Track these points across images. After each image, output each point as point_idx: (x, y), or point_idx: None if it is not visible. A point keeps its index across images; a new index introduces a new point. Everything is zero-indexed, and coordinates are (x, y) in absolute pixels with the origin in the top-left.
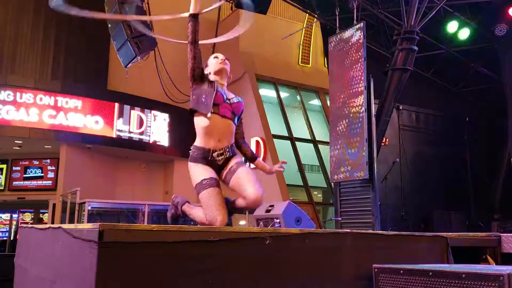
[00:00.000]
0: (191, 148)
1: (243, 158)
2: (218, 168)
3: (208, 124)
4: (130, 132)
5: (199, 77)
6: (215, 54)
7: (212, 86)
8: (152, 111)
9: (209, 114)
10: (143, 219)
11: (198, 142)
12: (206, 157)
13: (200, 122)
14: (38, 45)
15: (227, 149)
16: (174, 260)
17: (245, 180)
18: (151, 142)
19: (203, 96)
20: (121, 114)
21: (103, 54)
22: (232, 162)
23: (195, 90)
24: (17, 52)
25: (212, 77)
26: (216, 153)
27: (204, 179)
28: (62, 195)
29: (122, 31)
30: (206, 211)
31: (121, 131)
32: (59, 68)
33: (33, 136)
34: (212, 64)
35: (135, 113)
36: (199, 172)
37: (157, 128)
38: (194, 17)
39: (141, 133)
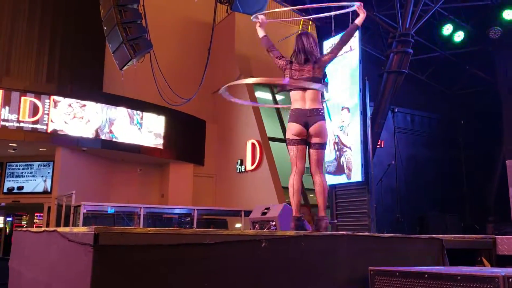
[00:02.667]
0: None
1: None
2: None
3: None
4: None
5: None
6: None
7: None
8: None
9: None
10: (138, 222)
11: None
12: None
13: None
14: (33, 47)
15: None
16: (170, 263)
17: None
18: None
19: None
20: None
21: (99, 57)
22: None
23: None
24: (12, 54)
25: None
26: None
27: None
28: (57, 198)
29: (117, 34)
30: None
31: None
32: (54, 70)
33: (28, 139)
34: None
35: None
36: None
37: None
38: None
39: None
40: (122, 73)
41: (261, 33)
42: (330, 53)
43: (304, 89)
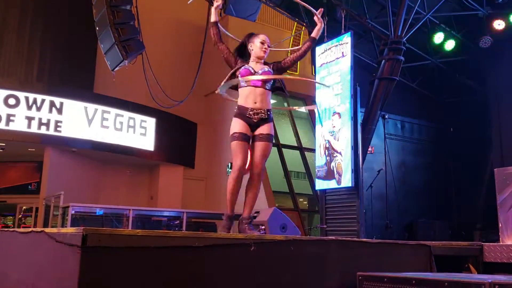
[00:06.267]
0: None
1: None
2: (254, 125)
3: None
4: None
5: (229, 64)
6: (262, 39)
7: (238, 65)
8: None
9: (243, 83)
10: (127, 224)
11: (240, 102)
12: (243, 114)
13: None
14: (24, 46)
15: (263, 111)
16: (158, 266)
17: (257, 152)
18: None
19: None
20: None
21: (90, 57)
22: (263, 130)
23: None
24: (2, 54)
25: (252, 54)
26: (252, 112)
27: (235, 132)
28: (45, 198)
29: (109, 34)
30: (232, 158)
31: None
32: (45, 69)
33: (16, 139)
34: (257, 47)
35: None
36: (234, 126)
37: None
38: (215, 24)
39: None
40: (113, 74)
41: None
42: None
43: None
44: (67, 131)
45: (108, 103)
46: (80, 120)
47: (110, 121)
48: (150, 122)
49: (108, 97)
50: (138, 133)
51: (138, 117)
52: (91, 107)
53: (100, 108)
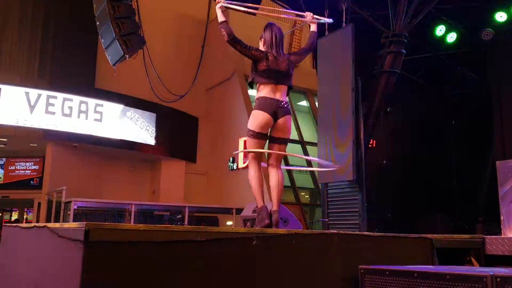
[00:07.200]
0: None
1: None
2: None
3: None
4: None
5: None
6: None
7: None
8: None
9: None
10: (129, 218)
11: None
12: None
13: None
14: (25, 41)
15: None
16: (161, 260)
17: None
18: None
19: None
20: None
21: (91, 52)
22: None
23: None
24: (3, 48)
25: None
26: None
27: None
28: (47, 194)
29: (110, 29)
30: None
31: None
32: (46, 65)
33: (18, 134)
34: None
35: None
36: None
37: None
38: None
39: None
40: (115, 69)
41: (222, 17)
42: (298, 55)
43: (277, 83)
44: (68, 127)
45: (108, 98)
46: (80, 115)
47: (106, 115)
48: (151, 117)
49: (109, 92)
50: (140, 128)
51: (140, 112)
52: (92, 102)
53: (100, 102)
